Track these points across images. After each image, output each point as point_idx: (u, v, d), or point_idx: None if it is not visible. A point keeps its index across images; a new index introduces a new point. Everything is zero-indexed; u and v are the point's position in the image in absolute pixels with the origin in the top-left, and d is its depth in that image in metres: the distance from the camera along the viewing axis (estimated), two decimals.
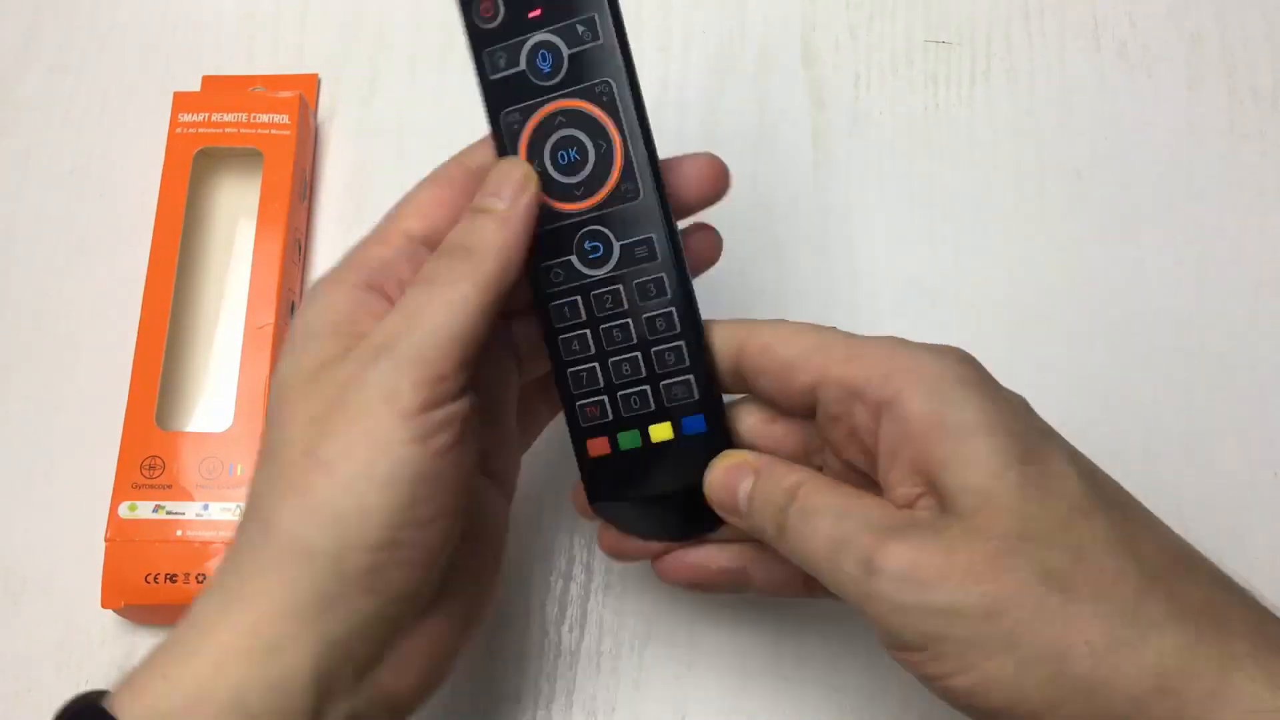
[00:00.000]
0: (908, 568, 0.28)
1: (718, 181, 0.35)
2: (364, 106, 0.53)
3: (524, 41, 0.33)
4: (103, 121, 0.53)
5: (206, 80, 0.52)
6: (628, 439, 0.34)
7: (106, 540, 0.43)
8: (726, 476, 0.33)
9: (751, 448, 0.34)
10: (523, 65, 0.33)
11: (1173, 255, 0.49)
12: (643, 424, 0.34)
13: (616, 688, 0.43)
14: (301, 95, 0.50)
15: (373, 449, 0.29)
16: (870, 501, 0.31)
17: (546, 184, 0.33)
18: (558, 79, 0.33)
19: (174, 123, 0.49)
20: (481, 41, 0.33)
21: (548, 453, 0.45)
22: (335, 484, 0.29)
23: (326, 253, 0.50)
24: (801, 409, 0.33)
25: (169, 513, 0.43)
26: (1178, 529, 0.45)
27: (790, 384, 0.32)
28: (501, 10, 0.33)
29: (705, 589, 0.36)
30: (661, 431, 0.34)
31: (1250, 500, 0.45)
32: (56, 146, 0.52)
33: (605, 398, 0.34)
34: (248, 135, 0.48)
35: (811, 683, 0.42)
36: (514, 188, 0.32)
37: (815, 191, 0.50)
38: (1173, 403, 0.46)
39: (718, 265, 0.50)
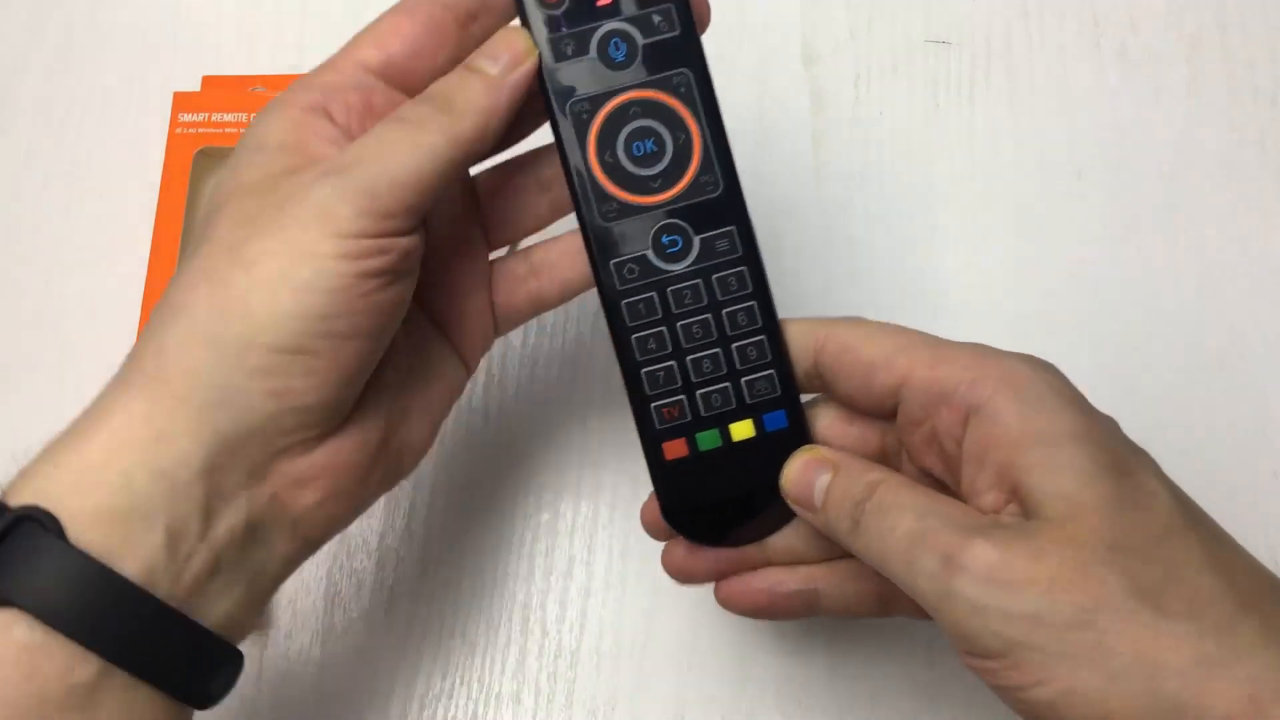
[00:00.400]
0: (992, 567, 0.27)
1: (703, 12, 0.34)
2: None
3: (595, 29, 0.32)
4: (103, 121, 0.53)
5: (206, 80, 0.52)
6: (707, 439, 0.33)
7: None
8: (804, 471, 0.32)
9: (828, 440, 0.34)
10: (593, 53, 0.32)
11: (1173, 256, 0.49)
12: (723, 423, 0.33)
13: (616, 688, 0.43)
14: None
15: (297, 255, 0.28)
16: (952, 502, 0.30)
17: (620, 175, 0.32)
18: (631, 69, 0.32)
19: (174, 123, 0.49)
20: (546, 26, 0.32)
21: (547, 453, 0.45)
22: (252, 280, 0.28)
23: None
24: (881, 410, 0.33)
25: None
26: None
27: (871, 385, 0.32)
28: None
29: (774, 615, 0.35)
30: (743, 429, 0.33)
31: (1250, 500, 0.45)
32: (56, 146, 0.52)
33: (684, 397, 0.33)
34: None
35: (813, 682, 0.42)
36: (512, 57, 0.31)
37: (815, 191, 0.50)
38: (1173, 403, 0.46)
39: None
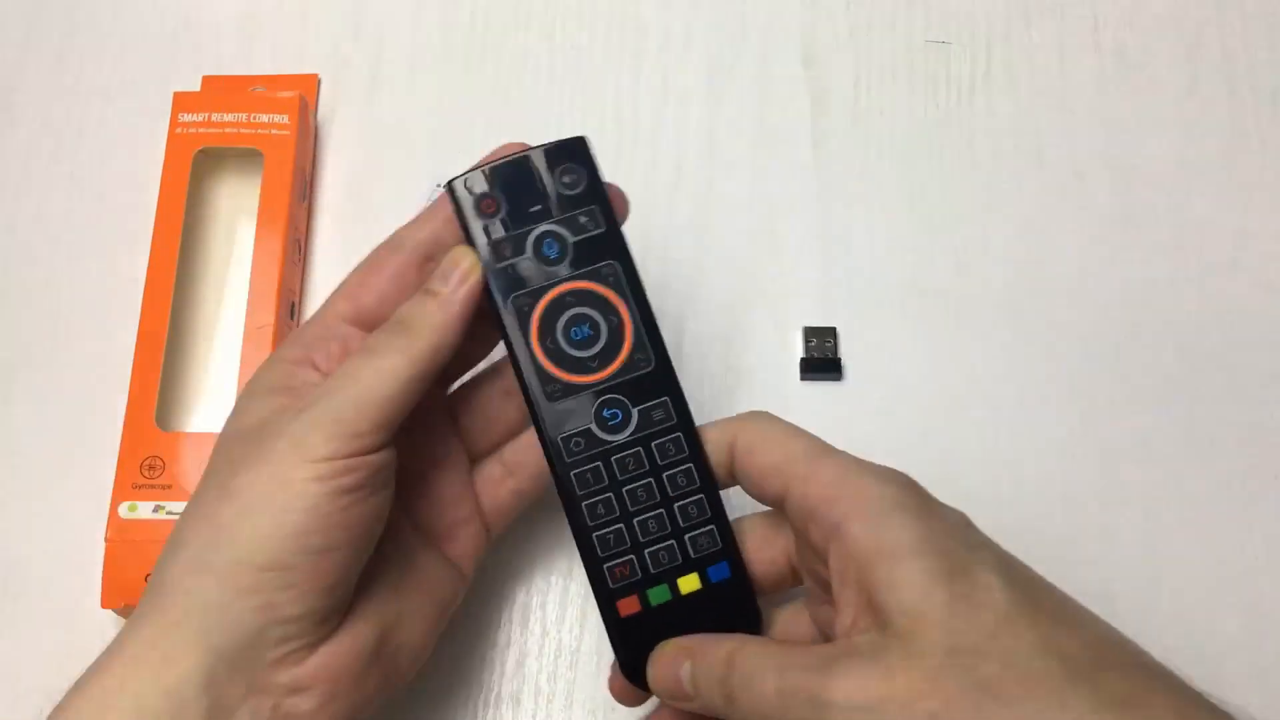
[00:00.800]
0: (853, 695, 0.29)
1: (621, 208, 0.37)
2: (364, 106, 0.53)
3: (529, 232, 0.36)
4: (103, 121, 0.53)
5: (206, 80, 0.52)
6: (658, 594, 0.36)
7: (106, 540, 0.43)
8: (668, 667, 0.35)
9: (751, 560, 0.37)
10: (529, 253, 0.36)
11: (1173, 255, 0.49)
12: (672, 577, 0.36)
13: None
14: (302, 95, 0.50)
15: (273, 482, 0.32)
16: (802, 649, 0.33)
17: (560, 358, 0.36)
18: (564, 263, 0.36)
19: (174, 123, 0.49)
20: (485, 234, 0.36)
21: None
22: (236, 508, 0.32)
23: (326, 253, 0.50)
24: (782, 511, 0.35)
25: (169, 513, 0.43)
26: (1175, 530, 0.45)
27: (765, 491, 0.35)
28: (503, 207, 0.36)
29: None
30: (690, 583, 0.36)
31: (1250, 500, 0.45)
32: (56, 147, 0.52)
33: (633, 556, 0.36)
34: (248, 135, 0.48)
35: None
36: (459, 275, 0.35)
37: (815, 192, 0.50)
38: (1172, 403, 0.46)
39: (719, 268, 0.50)
